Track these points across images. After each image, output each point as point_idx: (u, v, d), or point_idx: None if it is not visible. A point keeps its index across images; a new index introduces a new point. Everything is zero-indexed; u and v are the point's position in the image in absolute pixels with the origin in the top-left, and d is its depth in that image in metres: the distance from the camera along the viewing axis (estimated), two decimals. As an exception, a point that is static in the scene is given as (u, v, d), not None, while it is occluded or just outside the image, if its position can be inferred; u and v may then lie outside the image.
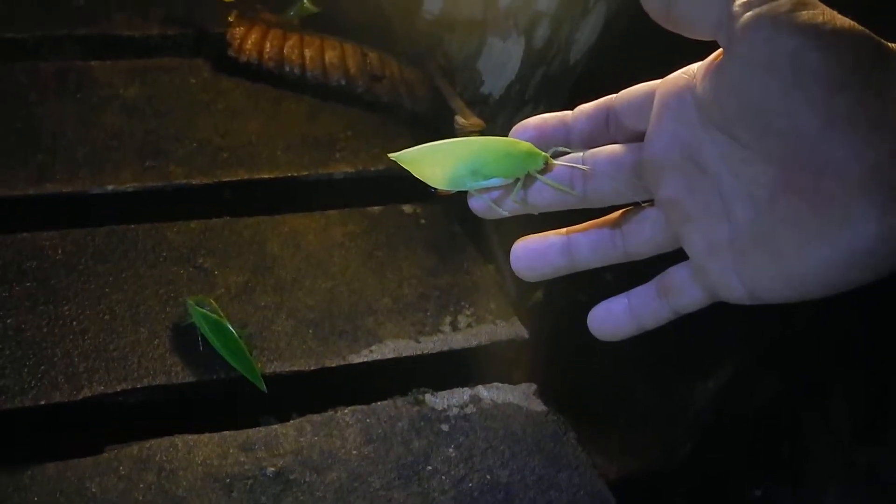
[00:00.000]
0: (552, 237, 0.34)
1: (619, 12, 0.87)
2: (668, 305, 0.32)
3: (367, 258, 0.71)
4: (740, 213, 0.28)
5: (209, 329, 0.59)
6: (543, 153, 0.33)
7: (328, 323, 0.65)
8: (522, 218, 0.35)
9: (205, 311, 0.60)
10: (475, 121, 0.76)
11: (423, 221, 0.75)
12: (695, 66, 0.30)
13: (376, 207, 0.75)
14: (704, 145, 0.29)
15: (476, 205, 0.34)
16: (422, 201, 0.75)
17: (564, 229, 0.34)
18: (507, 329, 0.67)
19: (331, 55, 0.82)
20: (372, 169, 0.76)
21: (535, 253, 0.34)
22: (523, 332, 0.67)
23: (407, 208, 0.76)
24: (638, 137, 0.32)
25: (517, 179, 0.33)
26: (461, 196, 0.34)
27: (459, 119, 0.75)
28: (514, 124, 0.35)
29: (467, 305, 0.69)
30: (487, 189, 0.33)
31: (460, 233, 0.75)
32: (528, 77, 0.89)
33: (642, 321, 0.33)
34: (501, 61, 0.86)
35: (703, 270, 0.31)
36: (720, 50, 0.28)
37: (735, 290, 0.29)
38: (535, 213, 0.34)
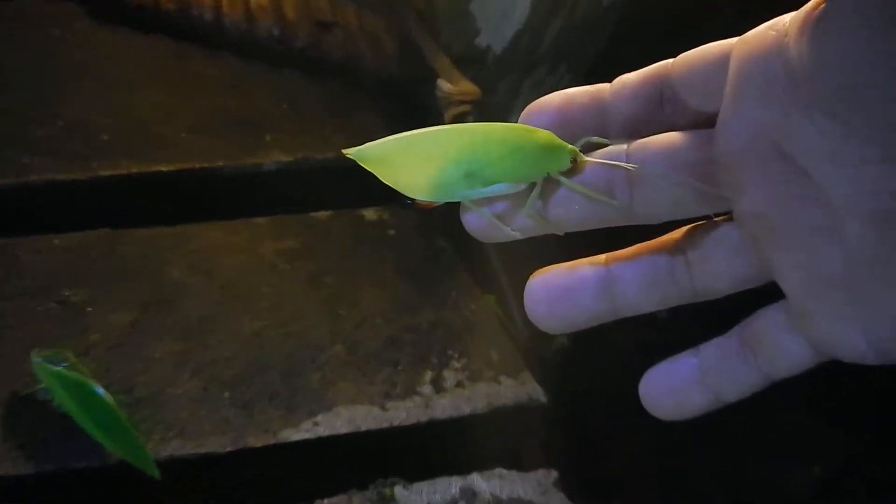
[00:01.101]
0: (585, 268, 0.34)
1: None
2: (758, 368, 0.32)
3: (312, 287, 0.71)
4: (857, 233, 0.28)
5: (68, 396, 0.58)
6: (570, 146, 0.33)
7: (254, 382, 0.65)
8: (538, 238, 0.34)
9: (60, 369, 0.59)
10: (466, 87, 0.76)
11: (392, 233, 0.76)
12: (786, 19, 0.30)
13: (324, 213, 0.75)
14: (805, 135, 0.29)
15: (473, 223, 0.34)
16: (391, 203, 0.76)
17: (602, 256, 0.34)
18: (514, 389, 0.67)
19: None
20: (318, 157, 0.77)
21: (560, 293, 0.33)
22: (538, 394, 0.67)
23: (369, 214, 0.76)
24: (707, 122, 0.32)
25: (532, 185, 0.33)
26: (450, 203, 0.34)
27: (444, 85, 0.76)
28: (522, 92, 0.33)
29: (457, 355, 0.69)
30: (489, 200, 0.33)
31: (447, 249, 0.75)
32: (541, 26, 0.89)
33: (720, 392, 0.33)
34: (505, 3, 0.86)
35: (806, 315, 0.31)
36: None
37: (853, 345, 0.29)
38: (560, 232, 0.34)
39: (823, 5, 0.27)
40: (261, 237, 0.74)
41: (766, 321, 0.32)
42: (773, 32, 0.29)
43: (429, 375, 0.67)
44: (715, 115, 0.31)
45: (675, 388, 0.34)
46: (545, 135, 0.33)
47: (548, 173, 0.33)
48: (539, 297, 0.33)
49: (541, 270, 0.34)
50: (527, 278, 0.34)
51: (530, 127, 0.33)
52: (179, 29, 0.84)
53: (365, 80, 0.84)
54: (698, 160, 0.32)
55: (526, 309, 0.34)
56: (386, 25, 0.86)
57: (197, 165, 0.75)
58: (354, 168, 0.89)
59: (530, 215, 0.33)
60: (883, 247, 0.28)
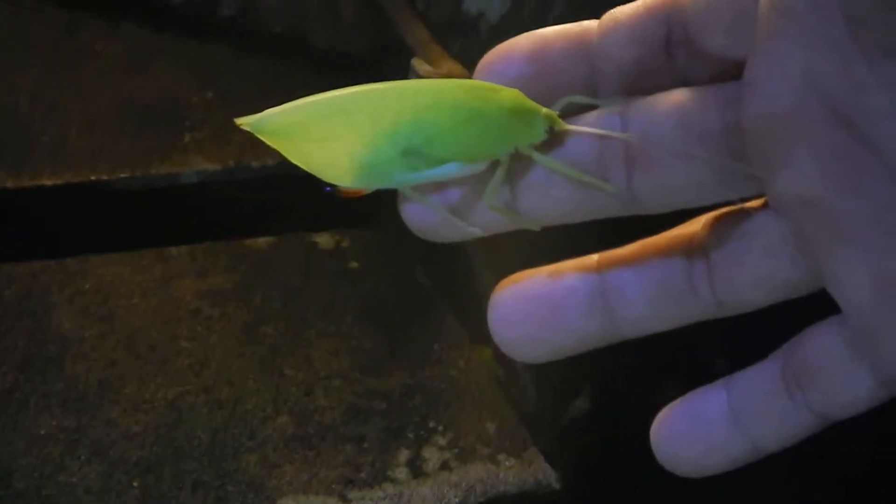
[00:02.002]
0: (571, 276, 0.34)
1: None
2: (808, 405, 0.32)
3: (247, 339, 0.73)
4: None
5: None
6: (546, 109, 0.32)
7: (170, 467, 0.66)
8: (525, 243, 0.34)
9: None
10: (451, 66, 0.78)
11: (353, 265, 0.77)
12: None
13: (264, 240, 0.77)
14: (868, 92, 0.28)
15: (416, 217, 0.33)
16: (352, 226, 0.78)
17: (594, 257, 0.34)
18: (517, 472, 0.68)
19: None
20: (254, 165, 0.78)
21: (538, 308, 0.34)
22: (550, 478, 0.68)
23: (323, 240, 0.78)
24: (732, 73, 0.32)
25: (496, 164, 0.32)
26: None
27: (420, 65, 0.77)
28: (480, 61, 0.33)
29: (441, 428, 0.70)
30: (438, 186, 0.33)
31: (427, 286, 0.77)
32: None
33: (758, 436, 0.33)
34: None
35: (872, 335, 0.30)
36: None
37: None
38: (535, 227, 0.33)
39: None
40: (178, 273, 0.75)
41: (818, 343, 0.32)
42: None
43: (404, 455, 0.68)
44: (742, 63, 0.31)
45: (699, 433, 0.33)
46: (512, 94, 0.32)
47: (516, 147, 0.32)
48: (509, 315, 0.33)
49: (511, 278, 0.34)
50: None
51: (491, 84, 0.32)
52: None
53: (314, 56, 0.85)
54: (723, 126, 0.32)
55: (491, 330, 0.33)
56: None
57: (91, 177, 0.76)
58: (303, 178, 0.91)
59: (494, 206, 0.32)
60: None
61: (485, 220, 0.33)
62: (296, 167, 0.33)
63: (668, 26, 0.32)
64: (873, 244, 0.29)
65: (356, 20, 0.86)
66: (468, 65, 0.79)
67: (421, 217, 0.33)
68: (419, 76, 0.77)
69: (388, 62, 0.83)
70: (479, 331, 0.76)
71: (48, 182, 0.76)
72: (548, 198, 0.33)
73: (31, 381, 0.68)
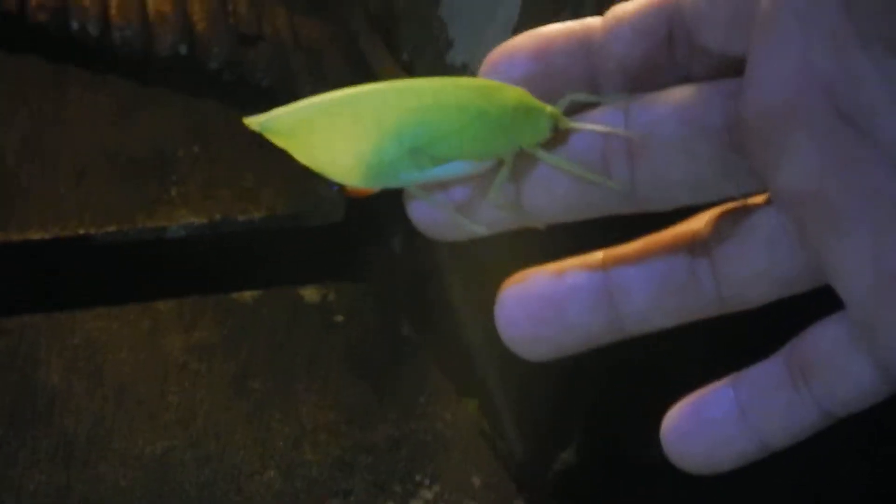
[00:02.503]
0: (575, 273, 0.34)
1: None
2: (814, 401, 0.32)
3: (234, 393, 0.73)
4: None
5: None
6: (550, 107, 0.32)
7: None
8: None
9: None
10: None
11: (339, 318, 0.78)
12: None
13: (250, 293, 0.78)
14: (867, 83, 0.29)
15: (422, 215, 0.34)
16: (337, 279, 0.79)
17: (599, 255, 0.34)
18: None
19: None
20: (240, 218, 0.79)
21: (543, 306, 0.34)
22: None
23: (309, 294, 0.78)
24: (732, 69, 0.32)
25: (501, 162, 0.33)
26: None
27: None
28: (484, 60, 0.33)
29: (427, 481, 0.71)
30: (443, 184, 0.33)
31: (412, 338, 0.77)
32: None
33: (766, 432, 0.33)
34: (485, 3, 0.87)
35: (874, 329, 0.30)
36: None
37: None
38: (540, 225, 0.34)
39: None
40: (165, 327, 0.75)
41: (821, 339, 0.32)
42: None
43: None
44: (743, 59, 0.31)
45: (708, 429, 0.33)
46: (516, 93, 0.32)
47: (521, 146, 0.32)
48: (515, 313, 0.34)
49: (517, 276, 0.34)
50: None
51: (496, 83, 0.33)
52: (55, 46, 0.85)
53: None
54: (723, 122, 0.32)
55: (498, 329, 0.34)
56: (329, 35, 0.89)
57: (79, 232, 0.76)
58: (289, 231, 0.89)
59: (499, 204, 0.33)
60: None
61: (490, 218, 0.33)
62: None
63: (670, 23, 0.32)
64: (873, 236, 0.30)
65: (340, 74, 0.87)
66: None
67: (427, 215, 0.33)
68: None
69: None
70: (464, 383, 0.77)
71: (35, 236, 0.76)
72: (552, 195, 0.33)
73: (19, 436, 0.69)
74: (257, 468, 0.70)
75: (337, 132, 0.32)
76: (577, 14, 0.88)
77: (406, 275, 0.83)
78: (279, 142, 0.32)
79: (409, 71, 0.84)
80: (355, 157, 0.32)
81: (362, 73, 0.86)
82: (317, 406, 0.74)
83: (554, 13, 0.93)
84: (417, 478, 0.71)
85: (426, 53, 0.90)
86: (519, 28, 0.92)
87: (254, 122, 0.33)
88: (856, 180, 0.29)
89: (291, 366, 0.75)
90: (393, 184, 0.33)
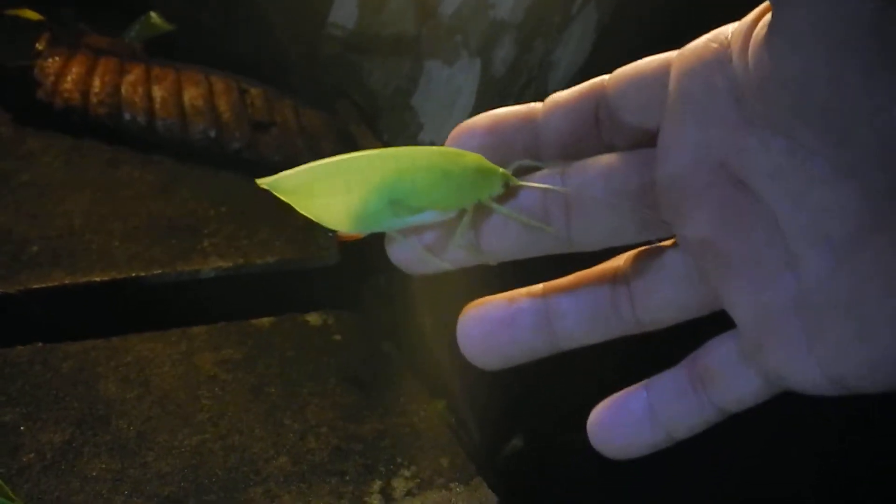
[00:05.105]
0: (521, 300, 0.35)
1: (620, 16, 0.97)
2: (710, 401, 0.33)
3: (253, 398, 0.76)
4: (810, 260, 0.29)
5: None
6: (502, 170, 0.34)
7: (193, 499, 0.70)
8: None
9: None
10: None
11: (336, 338, 0.82)
12: (728, 30, 0.30)
13: (266, 319, 0.81)
14: (750, 154, 0.29)
15: (400, 254, 0.35)
16: (335, 308, 0.82)
17: (540, 286, 0.35)
18: (466, 496, 0.73)
19: (192, 94, 0.92)
20: (258, 262, 0.83)
21: (495, 326, 0.35)
22: (490, 501, 0.72)
23: (312, 319, 0.83)
24: (646, 141, 0.33)
25: (463, 212, 0.34)
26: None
27: None
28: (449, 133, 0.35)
29: (406, 463, 0.75)
30: (418, 229, 0.34)
31: (393, 354, 0.81)
32: None
33: (671, 426, 0.34)
34: (447, 96, 0.96)
35: (758, 346, 0.31)
36: (766, 3, 0.28)
37: (808, 376, 0.30)
38: (493, 262, 0.34)
39: (770, 18, 0.27)
40: (199, 347, 0.79)
41: (716, 352, 0.33)
42: (715, 45, 0.30)
43: (377, 485, 0.73)
44: (655, 134, 0.32)
45: (625, 423, 0.34)
46: (475, 158, 0.33)
47: (479, 199, 0.33)
48: (472, 332, 0.35)
49: (475, 303, 0.35)
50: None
51: (459, 150, 0.34)
52: (111, 132, 0.90)
53: None
54: (639, 183, 0.33)
55: (459, 344, 0.35)
56: (325, 122, 0.93)
57: (131, 275, 0.81)
58: (296, 272, 0.96)
59: (461, 245, 0.34)
60: (838, 273, 0.28)
61: (454, 256, 0.35)
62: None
63: (596, 105, 0.34)
64: (755, 277, 0.30)
65: (335, 151, 0.88)
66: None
67: (404, 254, 0.35)
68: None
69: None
70: (434, 387, 0.81)
71: (97, 279, 0.81)
72: (504, 239, 0.34)
73: (83, 435, 0.73)
74: (272, 455, 0.73)
75: (331, 189, 0.34)
76: (520, 102, 0.98)
77: (389, 304, 0.87)
78: (285, 197, 0.35)
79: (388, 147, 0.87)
80: (346, 208, 0.34)
81: (350, 150, 0.87)
82: (319, 407, 0.77)
83: (500, 103, 1.01)
84: (398, 460, 0.75)
85: (401, 135, 0.95)
86: (474, 113, 0.99)
87: (265, 182, 0.35)
88: (742, 232, 0.30)
89: (299, 376, 0.79)
90: (377, 229, 0.34)
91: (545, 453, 0.86)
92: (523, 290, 0.35)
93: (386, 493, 0.74)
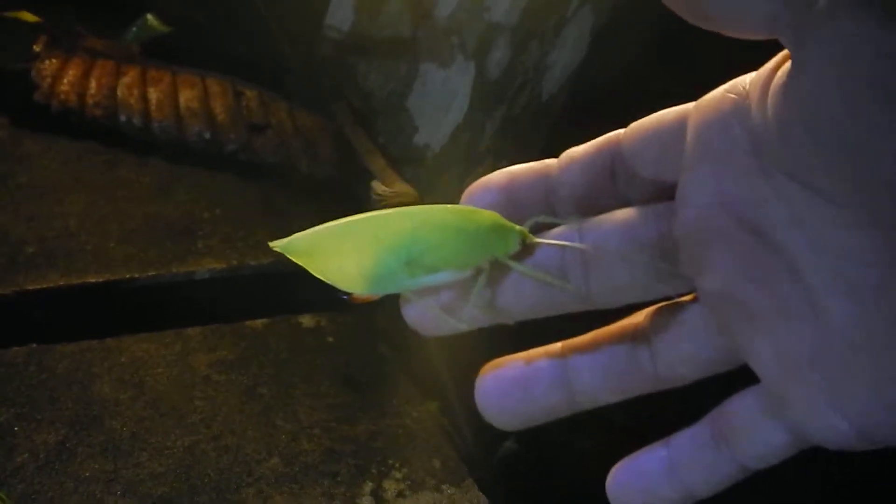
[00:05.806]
0: (539, 359, 0.34)
1: (616, 19, 0.97)
2: (733, 458, 0.32)
3: (246, 398, 0.76)
4: (834, 310, 0.28)
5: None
6: (518, 227, 0.33)
7: (186, 500, 0.70)
8: (485, 330, 0.34)
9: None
10: (402, 188, 0.83)
11: (330, 340, 0.82)
12: (746, 80, 0.30)
13: (259, 321, 0.81)
14: (769, 203, 0.29)
15: (415, 315, 0.34)
16: (328, 309, 0.82)
17: (559, 345, 0.35)
18: (458, 498, 0.73)
19: (188, 96, 0.92)
20: (252, 263, 0.83)
21: (513, 386, 0.34)
22: (481, 503, 0.72)
23: (306, 321, 0.82)
24: (663, 194, 0.33)
25: (479, 271, 0.33)
26: (391, 300, 0.34)
27: (378, 186, 0.82)
28: (465, 190, 0.34)
29: (398, 465, 0.75)
30: (433, 289, 0.33)
31: (387, 355, 0.81)
32: (481, 120, 0.97)
33: (692, 486, 0.33)
34: (442, 98, 0.95)
35: (782, 399, 0.30)
36: (784, 52, 0.28)
37: (835, 430, 0.29)
38: (511, 321, 0.34)
39: (788, 67, 0.27)
40: (193, 348, 0.79)
41: (739, 407, 0.32)
42: (733, 96, 0.30)
43: (369, 486, 0.73)
44: (673, 187, 0.32)
45: (644, 483, 0.34)
46: (490, 216, 0.33)
47: (495, 257, 0.33)
48: (491, 392, 0.34)
49: (493, 363, 0.35)
50: (473, 384, 0.34)
51: (474, 208, 0.33)
52: (107, 134, 0.90)
53: (299, 183, 0.90)
54: (657, 237, 0.32)
55: (477, 405, 0.34)
56: (321, 124, 0.93)
57: (126, 276, 0.81)
58: (290, 273, 0.95)
59: (478, 305, 0.33)
60: (862, 321, 0.28)
61: (470, 316, 0.33)
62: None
63: (612, 160, 0.33)
64: (777, 327, 0.30)
65: (331, 153, 0.92)
66: (417, 186, 0.85)
67: (420, 316, 0.34)
68: (377, 195, 0.83)
69: (355, 185, 0.87)
70: (427, 389, 0.80)
71: (92, 280, 0.80)
72: (521, 297, 0.33)
73: (77, 435, 0.72)
74: (264, 456, 0.73)
75: (344, 251, 0.33)
76: (514, 107, 0.97)
77: (381, 306, 0.82)
78: (297, 259, 0.33)
79: (385, 150, 0.88)
80: (360, 270, 0.33)
81: (348, 152, 0.89)
82: (311, 408, 0.77)
83: (495, 105, 1.02)
84: (390, 462, 0.74)
85: (397, 138, 0.95)
86: (469, 115, 1.00)
87: (277, 244, 0.34)
88: (761, 283, 0.30)
89: (292, 377, 0.78)
90: (391, 290, 0.33)
91: (539, 455, 0.85)
92: (541, 350, 0.35)
93: (377, 494, 0.74)
